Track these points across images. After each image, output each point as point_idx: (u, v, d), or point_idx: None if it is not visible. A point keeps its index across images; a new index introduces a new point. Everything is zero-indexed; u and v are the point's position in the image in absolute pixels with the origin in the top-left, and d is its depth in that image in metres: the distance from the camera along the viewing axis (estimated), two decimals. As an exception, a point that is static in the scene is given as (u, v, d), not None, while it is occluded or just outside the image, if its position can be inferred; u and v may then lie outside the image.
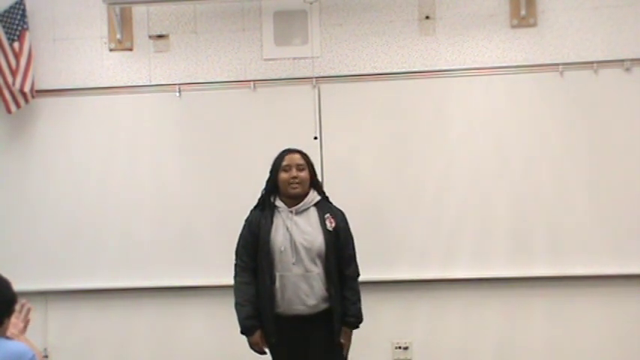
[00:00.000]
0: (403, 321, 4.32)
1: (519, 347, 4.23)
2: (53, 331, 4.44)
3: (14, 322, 2.32)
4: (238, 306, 3.28)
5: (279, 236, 3.26)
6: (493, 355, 4.25)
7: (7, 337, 2.25)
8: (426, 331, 4.29)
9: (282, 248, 3.23)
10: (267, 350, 3.33)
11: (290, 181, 3.30)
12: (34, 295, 4.34)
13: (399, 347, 4.29)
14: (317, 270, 3.24)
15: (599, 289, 4.18)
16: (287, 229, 3.26)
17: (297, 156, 3.36)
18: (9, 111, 4.39)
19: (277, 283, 3.24)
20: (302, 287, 3.23)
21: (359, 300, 3.33)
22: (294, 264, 3.23)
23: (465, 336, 4.26)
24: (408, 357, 4.30)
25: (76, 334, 4.44)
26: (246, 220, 3.39)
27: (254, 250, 3.30)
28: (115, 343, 4.42)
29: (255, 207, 3.41)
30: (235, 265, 3.37)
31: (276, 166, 3.36)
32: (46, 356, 4.41)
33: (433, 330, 4.29)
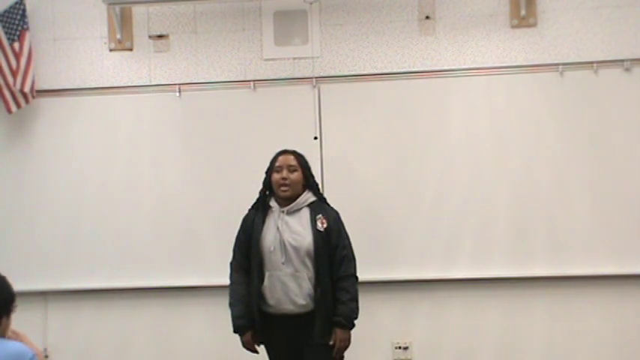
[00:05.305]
0: (403, 321, 4.32)
1: (519, 347, 4.23)
2: (53, 331, 4.44)
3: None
4: (231, 306, 3.34)
5: (269, 236, 3.29)
6: (493, 355, 4.25)
7: (8, 337, 2.25)
8: (426, 331, 4.29)
9: (272, 248, 3.26)
10: (258, 350, 3.37)
11: (280, 183, 3.33)
12: (34, 295, 4.37)
13: (399, 347, 4.29)
14: (306, 270, 3.25)
15: (599, 289, 4.17)
16: (277, 229, 3.28)
17: (290, 157, 3.39)
18: (9, 111, 4.39)
19: (266, 282, 3.26)
20: (291, 287, 3.24)
21: (351, 300, 3.27)
22: (283, 264, 3.25)
23: (465, 336, 4.26)
24: (408, 357, 4.30)
25: (76, 334, 4.44)
26: (243, 219, 3.43)
27: (247, 249, 3.34)
28: (115, 343, 4.42)
29: (253, 206, 3.44)
30: (230, 263, 3.42)
31: (270, 167, 3.40)
32: (46, 356, 4.41)
33: (433, 330, 4.29)
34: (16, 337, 2.31)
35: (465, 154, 4.25)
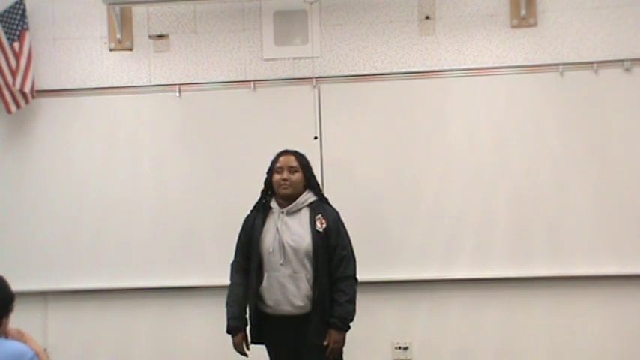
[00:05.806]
0: (403, 321, 4.32)
1: (519, 347, 4.23)
2: (53, 331, 4.44)
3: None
4: (227, 306, 3.35)
5: (268, 237, 3.30)
6: (493, 355, 4.25)
7: (12, 337, 2.24)
8: (426, 331, 4.29)
9: (271, 249, 3.27)
10: (247, 353, 3.36)
11: (280, 183, 3.33)
12: (34, 295, 4.37)
13: (399, 347, 4.29)
14: (305, 271, 3.25)
15: (599, 289, 4.17)
16: (277, 229, 3.28)
17: (291, 158, 3.39)
18: (9, 111, 4.39)
19: (264, 283, 3.27)
20: (289, 288, 3.25)
21: (349, 302, 3.26)
22: (282, 264, 3.25)
23: (465, 336, 4.26)
24: (408, 357, 4.30)
25: (76, 334, 4.44)
26: (244, 220, 3.44)
27: (247, 250, 3.35)
28: (115, 343, 4.42)
29: (254, 207, 3.45)
30: (231, 264, 3.43)
31: (271, 167, 3.41)
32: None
33: (433, 330, 4.29)
34: (21, 337, 2.31)
35: (465, 154, 4.25)
